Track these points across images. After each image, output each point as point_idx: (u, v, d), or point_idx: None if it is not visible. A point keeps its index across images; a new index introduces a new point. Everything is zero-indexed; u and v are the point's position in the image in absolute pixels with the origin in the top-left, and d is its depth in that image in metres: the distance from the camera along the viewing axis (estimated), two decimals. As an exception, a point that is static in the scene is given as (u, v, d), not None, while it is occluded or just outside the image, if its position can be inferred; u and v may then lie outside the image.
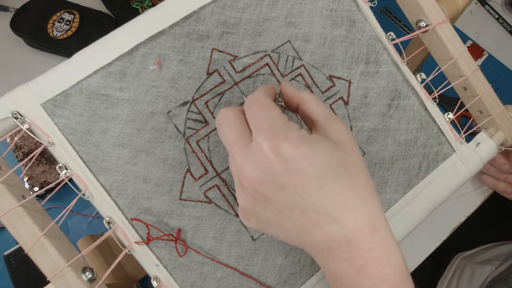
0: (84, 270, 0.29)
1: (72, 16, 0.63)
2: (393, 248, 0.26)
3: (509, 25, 0.75)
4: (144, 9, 0.67)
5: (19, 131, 0.30)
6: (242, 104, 0.34)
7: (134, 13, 0.66)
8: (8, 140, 0.53)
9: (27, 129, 0.30)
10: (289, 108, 0.30)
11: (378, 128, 0.37)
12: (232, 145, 0.26)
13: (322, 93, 0.36)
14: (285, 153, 0.24)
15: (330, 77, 0.37)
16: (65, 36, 0.62)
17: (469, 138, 0.40)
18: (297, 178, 0.24)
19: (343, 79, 0.37)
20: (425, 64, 0.52)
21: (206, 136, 0.33)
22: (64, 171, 0.30)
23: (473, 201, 0.58)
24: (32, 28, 0.63)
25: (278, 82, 0.35)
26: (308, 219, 0.25)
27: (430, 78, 0.38)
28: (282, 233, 0.27)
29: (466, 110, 0.42)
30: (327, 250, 0.25)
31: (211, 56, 0.34)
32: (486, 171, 0.54)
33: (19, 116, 0.29)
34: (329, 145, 0.26)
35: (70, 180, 0.30)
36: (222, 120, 0.28)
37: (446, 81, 0.40)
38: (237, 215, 0.33)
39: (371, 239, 0.25)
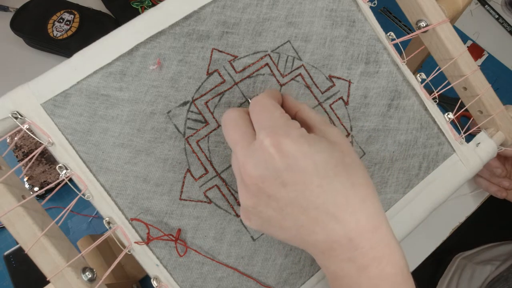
0: (84, 270, 0.29)
1: (72, 16, 0.63)
2: (393, 248, 0.26)
3: (509, 25, 0.75)
4: (144, 9, 0.67)
5: (19, 131, 0.30)
6: (242, 104, 0.34)
7: (134, 13, 0.66)
8: (8, 140, 0.53)
9: (27, 129, 0.30)
10: None
11: (378, 128, 0.37)
12: (235, 144, 0.27)
13: (322, 93, 0.36)
14: (287, 149, 0.24)
15: (330, 77, 0.37)
16: (65, 36, 0.62)
17: (469, 138, 0.40)
18: (297, 175, 0.24)
19: (343, 79, 0.37)
20: (425, 64, 0.52)
21: (206, 136, 0.33)
22: (64, 171, 0.30)
23: (473, 201, 0.58)
24: (32, 28, 0.63)
25: (278, 82, 0.35)
26: (309, 217, 0.25)
27: (430, 78, 0.38)
28: (282, 233, 0.27)
29: (466, 110, 0.42)
30: (329, 250, 0.25)
31: (211, 56, 0.34)
32: (480, 173, 0.54)
33: (19, 116, 0.29)
34: (328, 145, 0.26)
35: (70, 180, 0.30)
36: (226, 120, 0.28)
37: (446, 81, 0.40)
38: (237, 215, 0.33)
39: (372, 239, 0.25)
